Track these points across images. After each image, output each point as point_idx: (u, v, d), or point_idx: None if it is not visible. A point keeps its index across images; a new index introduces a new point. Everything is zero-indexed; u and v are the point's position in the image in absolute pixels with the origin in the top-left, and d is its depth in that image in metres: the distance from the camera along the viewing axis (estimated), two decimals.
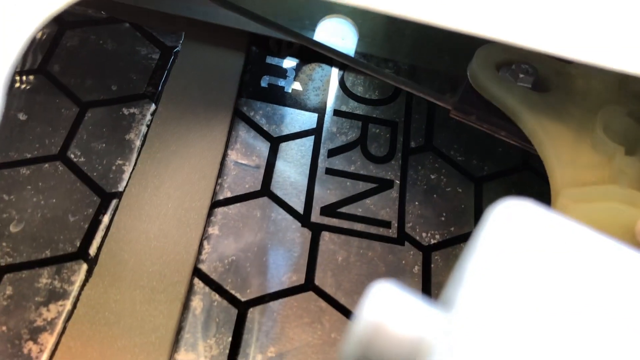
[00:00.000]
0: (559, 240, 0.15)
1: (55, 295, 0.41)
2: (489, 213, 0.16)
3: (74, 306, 0.41)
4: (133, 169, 0.48)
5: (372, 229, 0.49)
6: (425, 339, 0.14)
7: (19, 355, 0.38)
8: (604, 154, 0.38)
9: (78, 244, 0.43)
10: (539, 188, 0.52)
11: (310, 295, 0.44)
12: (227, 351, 0.41)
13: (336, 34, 0.56)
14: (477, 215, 0.51)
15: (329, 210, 0.49)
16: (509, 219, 0.15)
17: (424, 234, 0.49)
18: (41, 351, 0.38)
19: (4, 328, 0.39)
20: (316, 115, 0.54)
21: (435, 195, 0.51)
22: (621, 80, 0.44)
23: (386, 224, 0.49)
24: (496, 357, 0.13)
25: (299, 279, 0.45)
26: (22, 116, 0.48)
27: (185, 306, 0.42)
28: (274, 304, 0.43)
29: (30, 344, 0.38)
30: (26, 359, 0.38)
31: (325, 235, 0.47)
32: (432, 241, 0.49)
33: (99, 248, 0.43)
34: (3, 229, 0.42)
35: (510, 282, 0.15)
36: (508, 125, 0.42)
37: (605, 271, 0.15)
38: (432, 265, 0.48)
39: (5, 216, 0.43)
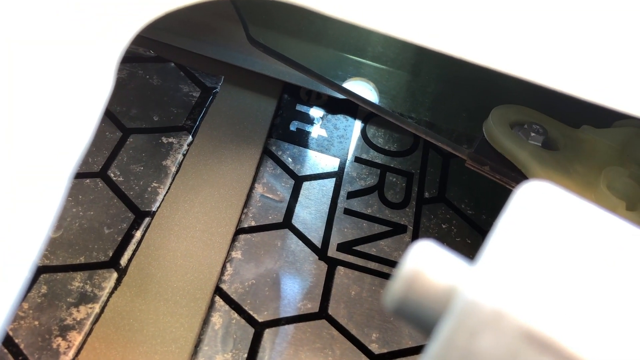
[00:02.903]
0: (576, 217, 0.18)
1: (86, 298, 0.43)
2: (515, 191, 0.19)
3: (102, 310, 0.43)
4: (167, 192, 0.51)
5: (385, 269, 0.51)
6: (455, 284, 0.18)
7: (47, 349, 0.40)
8: (607, 207, 0.42)
9: (110, 254, 0.46)
10: None
11: (323, 323, 0.47)
12: None
13: (359, 93, 0.61)
14: None
15: (345, 247, 0.52)
16: (533, 197, 0.19)
17: None
18: (69, 347, 0.40)
19: (36, 323, 0.41)
20: (338, 160, 0.58)
21: (445, 244, 0.54)
22: (625, 145, 0.48)
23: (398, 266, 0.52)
24: (507, 298, 0.16)
25: (314, 307, 0.47)
26: None
27: (205, 321, 0.44)
28: (288, 327, 0.45)
29: (59, 339, 0.41)
30: (54, 353, 0.40)
31: (341, 270, 0.50)
32: None
33: (130, 260, 0.46)
34: None
35: (530, 247, 0.18)
36: (518, 177, 0.46)
37: (614, 245, 0.18)
38: None
39: None
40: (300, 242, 0.51)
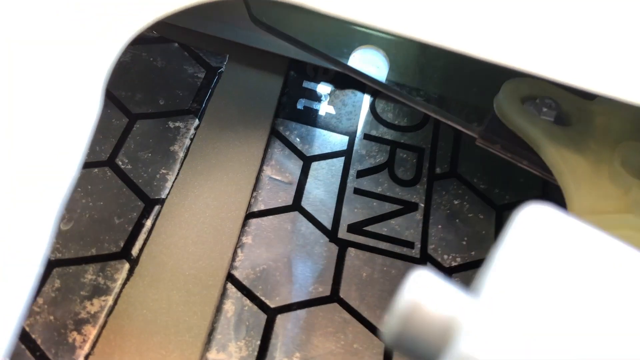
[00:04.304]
0: (578, 242, 0.18)
1: (99, 291, 0.44)
2: (514, 215, 0.19)
3: (115, 302, 0.44)
4: (176, 178, 0.51)
5: (396, 249, 0.51)
6: (456, 319, 0.17)
7: (64, 343, 0.41)
8: (621, 186, 0.41)
9: (122, 245, 0.46)
10: None
11: (335, 306, 0.47)
12: (256, 353, 0.43)
13: (369, 62, 0.59)
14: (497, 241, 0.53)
15: (355, 227, 0.52)
16: (533, 221, 0.18)
17: (445, 256, 0.51)
18: (84, 341, 0.41)
19: (51, 317, 0.42)
20: (347, 137, 0.57)
21: (457, 220, 0.54)
22: None
23: (410, 245, 0.51)
24: (513, 334, 0.16)
25: (325, 290, 0.47)
26: None
27: (218, 309, 0.45)
28: (300, 312, 0.46)
29: (74, 334, 0.41)
30: (70, 348, 0.41)
31: (351, 251, 0.50)
32: (453, 263, 0.51)
33: (141, 250, 0.47)
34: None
35: (532, 276, 0.17)
36: (530, 155, 0.45)
37: (620, 272, 0.17)
38: None
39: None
40: (311, 224, 0.51)
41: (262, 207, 0.51)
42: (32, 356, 0.40)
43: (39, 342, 0.40)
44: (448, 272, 0.50)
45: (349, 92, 0.60)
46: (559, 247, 0.18)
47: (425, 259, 0.51)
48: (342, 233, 0.51)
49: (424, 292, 0.18)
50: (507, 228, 0.18)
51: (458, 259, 0.51)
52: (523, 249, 0.18)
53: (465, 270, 0.51)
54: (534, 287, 0.17)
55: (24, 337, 0.40)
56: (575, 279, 0.17)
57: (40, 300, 0.42)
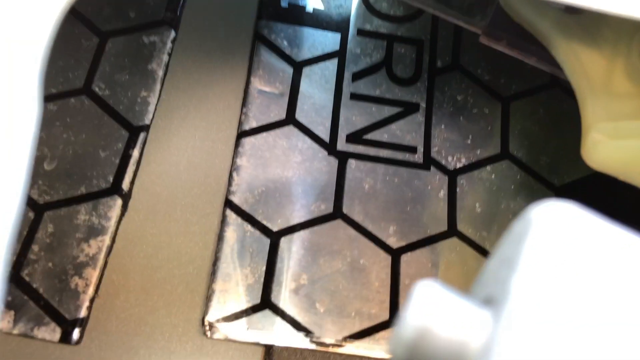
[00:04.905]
0: (602, 242, 0.15)
1: (95, 232, 0.42)
2: (529, 213, 0.16)
3: (113, 241, 0.42)
4: (158, 100, 0.48)
5: (398, 155, 0.49)
6: (472, 340, 0.15)
7: (67, 290, 0.40)
8: (639, 83, 0.37)
9: (111, 180, 0.44)
10: (567, 106, 0.51)
11: (339, 223, 0.45)
12: (262, 280, 0.43)
13: None
14: (504, 135, 0.50)
15: (354, 137, 0.49)
16: (553, 221, 0.16)
17: (449, 158, 0.49)
18: (87, 285, 0.40)
19: (50, 264, 0.41)
20: (339, 35, 0.52)
21: (461, 118, 0.51)
22: None
23: (412, 150, 0.49)
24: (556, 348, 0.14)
25: (327, 207, 0.46)
26: None
27: (220, 237, 0.44)
28: (304, 233, 0.45)
29: (76, 279, 0.40)
30: (74, 294, 0.40)
31: (352, 163, 0.48)
32: (458, 165, 0.49)
33: (132, 182, 0.45)
34: (38, 167, 0.43)
35: (559, 285, 0.15)
36: (539, 51, 0.41)
37: None
38: (458, 189, 0.48)
39: (38, 154, 0.44)
40: (307, 138, 0.48)
41: (254, 124, 0.48)
42: (36, 306, 0.39)
43: (41, 291, 0.40)
44: (452, 174, 0.49)
45: None
46: (584, 248, 0.15)
47: (428, 163, 0.49)
48: (341, 144, 0.49)
49: (431, 313, 0.16)
50: (525, 227, 0.16)
51: (463, 160, 0.49)
52: (548, 253, 0.15)
53: (470, 170, 0.49)
54: (569, 295, 0.15)
55: (25, 287, 0.40)
56: (607, 285, 0.15)
57: (35, 248, 0.41)
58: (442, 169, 0.49)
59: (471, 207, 0.48)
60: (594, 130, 0.36)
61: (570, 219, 0.16)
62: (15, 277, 0.40)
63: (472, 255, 0.46)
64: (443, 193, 0.48)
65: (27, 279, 0.40)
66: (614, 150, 0.34)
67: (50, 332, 0.39)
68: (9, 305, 0.39)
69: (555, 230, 0.16)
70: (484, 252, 0.46)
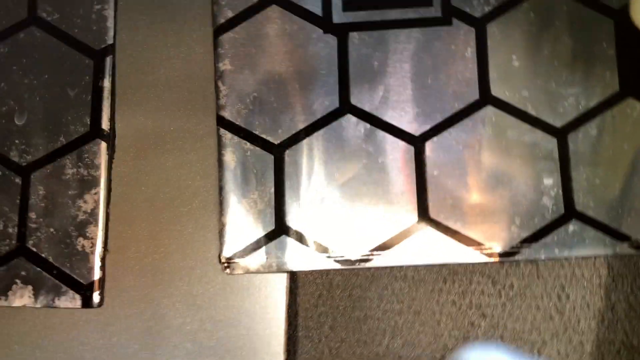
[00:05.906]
0: None
1: (87, 185, 0.39)
2: None
3: (109, 190, 0.39)
4: (115, 10, 0.40)
5: (410, 13, 0.39)
6: None
7: (75, 253, 0.38)
8: None
9: (89, 121, 0.39)
10: None
11: (348, 118, 0.39)
12: (273, 203, 0.38)
13: None
14: None
15: (352, 1, 0.40)
16: None
17: (474, 2, 0.39)
18: (93, 245, 0.38)
19: (51, 230, 0.39)
20: None
21: None
22: None
23: (427, 1, 0.39)
24: None
25: (333, 102, 0.39)
26: None
27: (219, 163, 0.39)
28: (310, 140, 0.39)
29: (81, 239, 0.38)
30: (83, 256, 0.38)
31: (354, 37, 0.39)
32: (486, 8, 0.39)
33: (111, 120, 0.40)
34: (9, 125, 0.40)
35: None
36: None
37: None
38: (489, 42, 0.39)
39: (4, 109, 0.40)
40: (296, 17, 0.40)
41: (230, 15, 0.40)
42: (50, 276, 0.38)
43: (50, 259, 0.38)
44: (480, 23, 0.39)
45: None
46: None
47: (449, 15, 0.39)
48: (338, 15, 0.40)
49: None
50: None
51: (492, 1, 0.39)
52: None
53: (503, 13, 0.39)
54: None
55: (35, 258, 0.38)
56: None
57: (32, 215, 0.39)
58: (467, 18, 0.39)
59: (506, 62, 0.39)
60: None
61: None
62: (22, 249, 0.38)
63: (512, 124, 0.38)
64: (470, 51, 0.39)
65: (34, 249, 0.38)
66: None
67: (71, 300, 0.38)
68: (25, 281, 0.38)
69: None
70: (526, 118, 0.38)
